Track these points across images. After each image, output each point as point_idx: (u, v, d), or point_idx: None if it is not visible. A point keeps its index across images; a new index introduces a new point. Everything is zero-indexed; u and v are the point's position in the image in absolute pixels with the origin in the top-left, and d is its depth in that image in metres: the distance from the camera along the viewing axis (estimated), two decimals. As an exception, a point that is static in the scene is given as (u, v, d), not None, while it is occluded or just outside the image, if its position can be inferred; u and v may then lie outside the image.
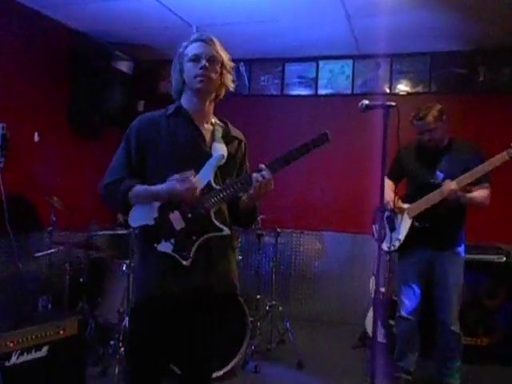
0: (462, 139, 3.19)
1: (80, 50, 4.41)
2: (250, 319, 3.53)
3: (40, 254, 3.57)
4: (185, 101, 2.00)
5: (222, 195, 1.89)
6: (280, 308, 4.02)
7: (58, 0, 3.79)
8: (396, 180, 3.31)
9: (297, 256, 5.04)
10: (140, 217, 1.91)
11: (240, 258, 4.01)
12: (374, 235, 3.44)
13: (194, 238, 1.87)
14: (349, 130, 4.86)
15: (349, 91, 4.94)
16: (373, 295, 3.67)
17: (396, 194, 3.11)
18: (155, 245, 1.87)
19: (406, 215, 3.12)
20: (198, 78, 1.91)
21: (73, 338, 2.78)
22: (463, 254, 3.15)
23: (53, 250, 3.57)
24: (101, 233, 3.78)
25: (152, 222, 1.88)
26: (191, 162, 1.91)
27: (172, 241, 1.86)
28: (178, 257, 1.86)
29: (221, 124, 2.07)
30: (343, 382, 3.41)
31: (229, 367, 3.34)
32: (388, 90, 4.82)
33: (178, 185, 1.83)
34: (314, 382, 3.41)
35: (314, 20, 4.00)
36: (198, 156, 1.92)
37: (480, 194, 3.01)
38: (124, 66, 4.49)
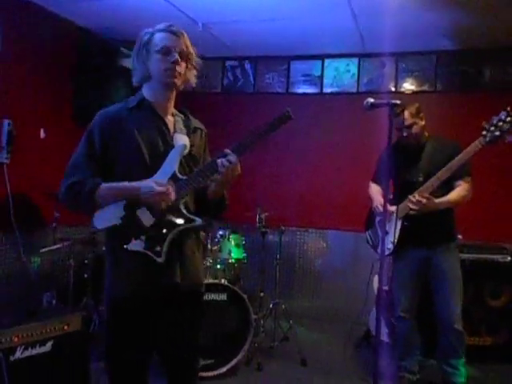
0: (439, 136, 3.20)
1: (85, 46, 4.41)
2: (254, 317, 3.54)
3: (44, 249, 3.59)
4: (148, 92, 1.93)
5: (189, 185, 1.85)
6: (283, 306, 4.02)
7: (63, -3, 3.81)
8: (380, 183, 3.32)
9: (301, 254, 5.04)
10: (106, 218, 1.83)
11: (244, 255, 4.02)
12: (368, 242, 3.42)
13: (165, 231, 1.83)
14: (354, 129, 4.86)
15: (354, 89, 4.93)
16: (376, 294, 3.67)
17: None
18: (125, 245, 1.81)
19: (394, 217, 3.07)
20: (169, 72, 1.86)
21: (77, 333, 2.79)
22: (457, 250, 3.16)
23: (57, 246, 3.59)
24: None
25: (119, 222, 1.81)
26: (160, 154, 1.87)
27: (143, 238, 1.81)
28: (150, 254, 1.81)
29: (180, 115, 2.03)
30: (346, 380, 3.41)
31: (232, 364, 3.36)
32: (393, 89, 4.81)
33: (156, 186, 1.78)
34: (317, 380, 3.42)
35: (319, 18, 3.99)
36: (165, 148, 1.89)
37: (455, 193, 3.00)
38: (129, 62, 4.48)
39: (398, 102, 2.07)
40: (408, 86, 4.79)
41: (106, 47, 4.40)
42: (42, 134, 4.08)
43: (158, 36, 1.89)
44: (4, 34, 3.68)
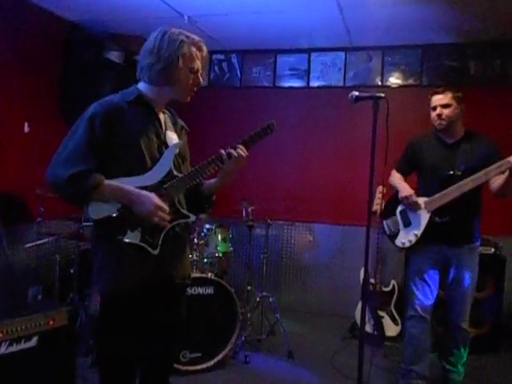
0: (478, 132, 3.06)
1: (71, 39, 4.36)
2: (241, 310, 3.55)
3: (30, 244, 3.56)
4: (150, 89, 1.94)
5: (190, 181, 1.91)
6: (270, 299, 4.04)
7: (47, -11, 3.77)
8: (406, 173, 3.20)
9: (288, 248, 5.06)
10: (102, 208, 1.82)
11: (231, 249, 4.03)
12: (385, 232, 3.23)
13: (163, 224, 1.87)
14: (341, 122, 4.89)
15: (341, 83, 4.95)
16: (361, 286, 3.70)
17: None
18: (120, 236, 1.81)
19: (423, 210, 2.97)
20: (191, 92, 1.95)
21: (63, 328, 2.78)
22: (478, 251, 3.08)
23: (42, 241, 3.56)
24: (91, 224, 3.77)
25: (116, 213, 1.82)
26: (154, 151, 1.90)
27: (139, 230, 1.83)
28: (146, 246, 1.84)
29: (168, 113, 2.07)
30: (332, 373, 3.44)
31: (219, 357, 3.37)
32: (380, 83, 4.83)
33: (155, 199, 1.81)
34: (304, 373, 3.44)
35: (305, 11, 3.98)
36: (159, 145, 1.93)
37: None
38: (115, 56, 4.45)
39: (383, 94, 2.09)
40: (394, 79, 4.81)
41: (92, 41, 4.36)
42: (26, 128, 4.03)
43: (194, 53, 1.89)
44: (-13, 27, 3.63)
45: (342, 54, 4.93)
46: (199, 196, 2.09)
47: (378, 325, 3.87)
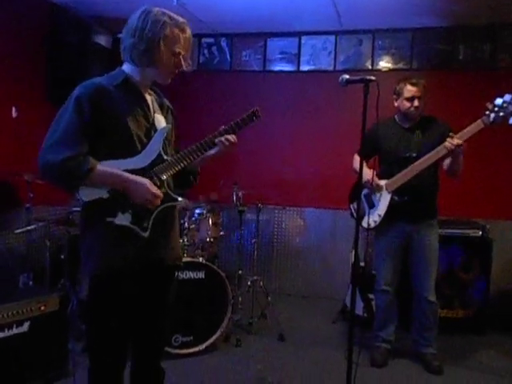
0: (431, 115, 3.27)
1: (58, 22, 4.29)
2: (232, 294, 3.57)
3: (19, 230, 3.54)
4: (134, 71, 1.91)
5: (180, 163, 1.93)
6: (261, 283, 4.07)
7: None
8: (367, 158, 3.27)
9: (279, 232, 5.08)
10: (93, 190, 1.80)
11: (222, 233, 4.04)
12: (352, 215, 3.46)
13: (153, 208, 1.88)
14: (331, 107, 4.88)
15: (331, 67, 4.93)
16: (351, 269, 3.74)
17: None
18: (111, 218, 1.80)
19: (384, 191, 3.18)
20: (173, 75, 1.94)
21: (54, 314, 2.80)
22: (437, 226, 3.28)
23: (32, 227, 3.54)
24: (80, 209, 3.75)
25: (106, 195, 1.80)
26: (143, 135, 1.89)
27: (130, 212, 1.83)
28: (137, 229, 1.84)
29: (152, 92, 2.04)
30: (323, 355, 3.49)
31: (211, 341, 3.40)
32: (370, 67, 4.82)
33: (150, 186, 1.82)
34: (295, 355, 3.48)
35: (296, -6, 3.96)
36: (148, 128, 1.91)
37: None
38: (103, 39, 4.40)
39: (373, 78, 2.09)
40: (384, 63, 4.80)
41: (79, 24, 4.29)
42: (14, 113, 3.98)
43: (177, 35, 1.86)
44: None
45: (333, 37, 4.90)
46: (184, 171, 2.06)
47: (368, 307, 3.92)
